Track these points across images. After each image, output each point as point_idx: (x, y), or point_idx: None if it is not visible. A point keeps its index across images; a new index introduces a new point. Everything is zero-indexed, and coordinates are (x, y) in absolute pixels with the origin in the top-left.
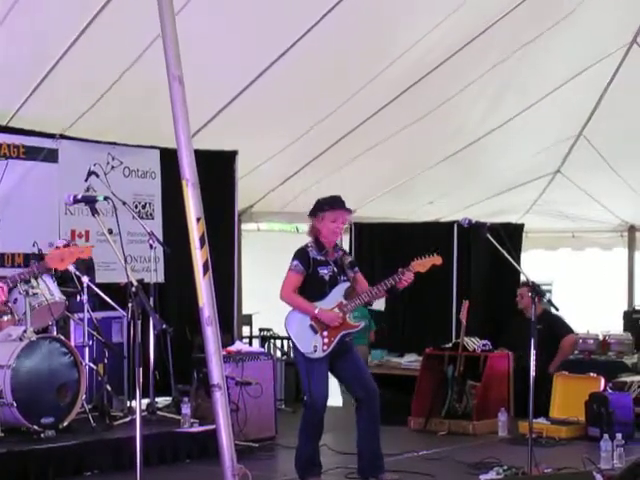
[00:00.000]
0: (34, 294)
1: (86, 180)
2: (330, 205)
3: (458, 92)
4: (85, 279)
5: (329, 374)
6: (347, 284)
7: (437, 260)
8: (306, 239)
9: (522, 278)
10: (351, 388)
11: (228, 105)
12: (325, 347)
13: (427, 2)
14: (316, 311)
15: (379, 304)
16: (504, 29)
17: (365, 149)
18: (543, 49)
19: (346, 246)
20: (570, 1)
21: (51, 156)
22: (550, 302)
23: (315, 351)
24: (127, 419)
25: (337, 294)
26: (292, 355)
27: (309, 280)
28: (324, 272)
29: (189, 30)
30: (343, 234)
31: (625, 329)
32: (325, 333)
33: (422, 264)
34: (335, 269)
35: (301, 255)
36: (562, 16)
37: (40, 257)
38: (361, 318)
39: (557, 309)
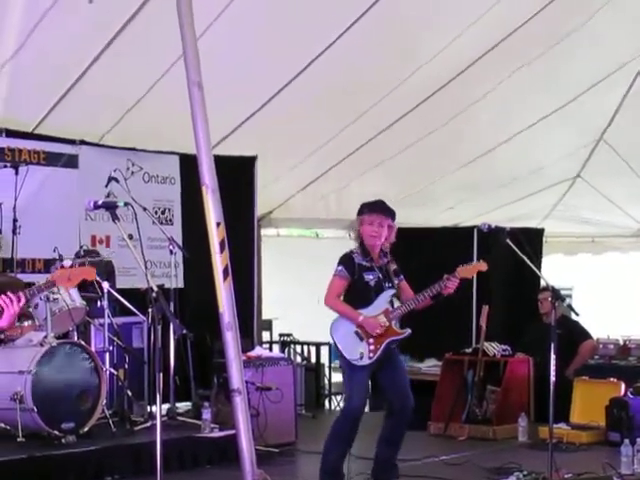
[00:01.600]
0: (55, 299)
1: (106, 186)
2: (368, 208)
3: (479, 99)
4: (105, 285)
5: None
6: (392, 291)
7: (482, 266)
8: (325, 245)
9: (542, 283)
10: (388, 396)
11: (253, 115)
12: (371, 354)
13: (445, 15)
14: (360, 318)
15: None
16: (524, 36)
17: (386, 156)
18: (563, 56)
19: None
20: (588, 8)
21: (71, 162)
22: (570, 307)
23: (361, 358)
24: (147, 424)
25: (382, 301)
26: (338, 363)
27: (354, 286)
28: (369, 278)
29: (216, 42)
30: (389, 239)
31: None
32: (371, 340)
33: (468, 270)
34: (380, 275)
35: (346, 260)
36: (581, 23)
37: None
38: None
39: (577, 314)
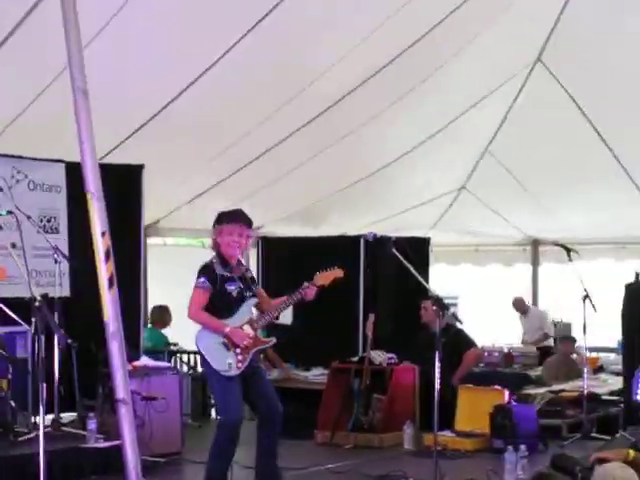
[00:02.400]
0: None
1: None
2: (227, 218)
3: (366, 121)
4: None
5: None
6: (255, 300)
7: (339, 273)
8: (212, 254)
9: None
10: (256, 405)
11: (145, 125)
12: (239, 364)
13: (333, 35)
14: (227, 330)
15: (286, 318)
16: (411, 56)
17: (274, 174)
18: (449, 75)
19: (253, 260)
20: (472, 28)
21: None
22: (454, 316)
23: (230, 369)
24: (31, 435)
25: (246, 311)
26: (204, 372)
27: (217, 297)
28: (231, 288)
29: (106, 49)
30: (245, 249)
31: None
32: (238, 350)
33: (325, 277)
34: (241, 285)
35: (207, 271)
36: (467, 40)
37: None
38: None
39: (461, 322)
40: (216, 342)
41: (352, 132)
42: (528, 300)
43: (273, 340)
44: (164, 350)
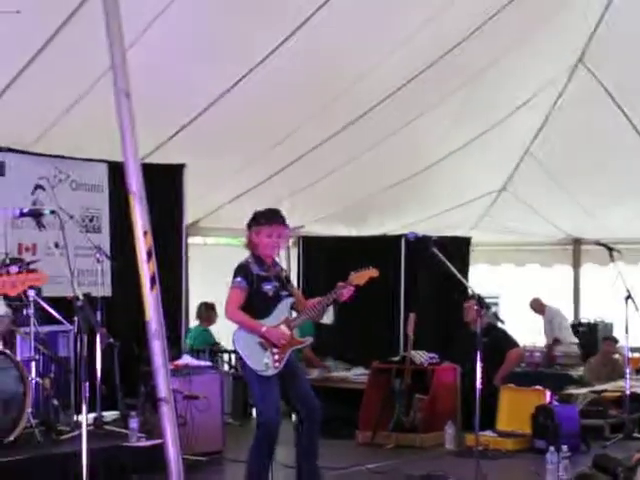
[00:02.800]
0: None
1: (33, 193)
2: (267, 219)
3: (413, 119)
4: (31, 293)
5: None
6: (291, 299)
7: (374, 272)
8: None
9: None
10: (294, 405)
11: (187, 125)
12: (277, 364)
13: (380, 31)
14: (263, 329)
15: (328, 318)
16: (453, 61)
17: (318, 173)
18: (491, 80)
19: (294, 260)
20: (518, 29)
21: None
22: (495, 315)
23: (267, 368)
24: (74, 433)
25: (282, 310)
26: (243, 373)
27: (253, 296)
28: (268, 288)
29: (150, 51)
30: (283, 249)
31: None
32: (275, 350)
33: (360, 277)
34: (277, 284)
35: (243, 271)
36: (510, 43)
37: None
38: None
39: (502, 322)
40: (253, 342)
41: (394, 133)
42: (558, 300)
43: (309, 340)
44: (206, 349)
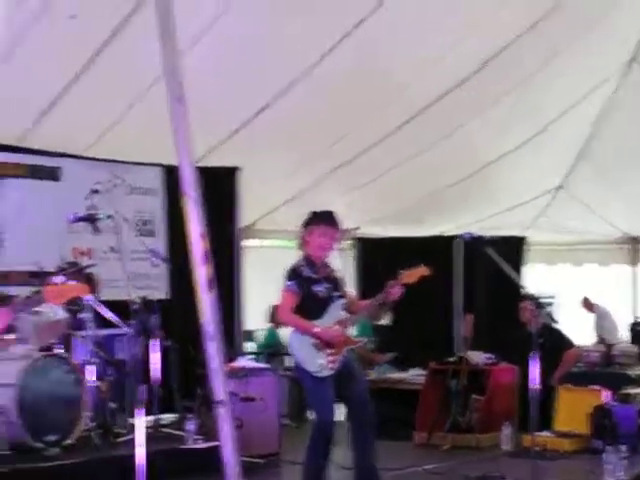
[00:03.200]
0: (37, 312)
1: (88, 198)
2: (321, 219)
3: (464, 123)
4: (88, 297)
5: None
6: (343, 300)
7: (424, 271)
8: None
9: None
10: (348, 406)
11: (242, 128)
12: (331, 365)
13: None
14: (316, 330)
15: (385, 319)
16: (509, 61)
17: (372, 173)
18: (546, 81)
19: (351, 262)
20: (570, 29)
21: (54, 174)
22: (550, 315)
23: (321, 369)
24: (131, 436)
25: (334, 311)
26: (298, 375)
27: (305, 299)
28: (319, 289)
29: (203, 57)
30: (333, 251)
31: (632, 341)
32: (329, 351)
33: (410, 275)
34: (328, 286)
35: (295, 274)
36: (564, 42)
37: (40, 283)
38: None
39: (557, 322)
40: (307, 343)
41: (448, 135)
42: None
43: (364, 340)
44: (272, 351)
